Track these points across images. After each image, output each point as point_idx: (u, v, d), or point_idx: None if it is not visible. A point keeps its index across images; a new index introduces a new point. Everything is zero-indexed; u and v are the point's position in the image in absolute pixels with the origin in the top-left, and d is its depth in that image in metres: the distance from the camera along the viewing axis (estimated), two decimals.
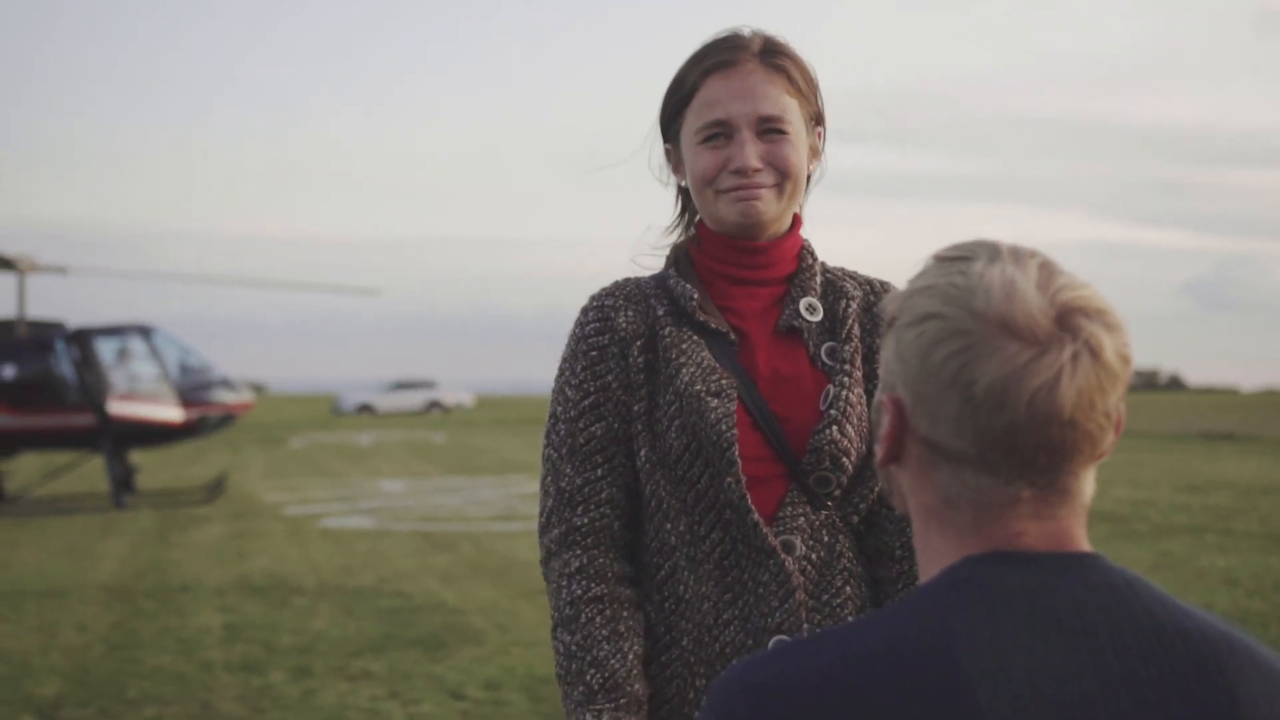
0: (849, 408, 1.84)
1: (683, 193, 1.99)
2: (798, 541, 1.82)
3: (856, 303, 1.93)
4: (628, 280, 1.95)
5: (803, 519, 1.83)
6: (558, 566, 1.86)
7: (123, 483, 17.62)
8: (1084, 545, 1.06)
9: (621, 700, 1.78)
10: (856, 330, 1.91)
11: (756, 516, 1.80)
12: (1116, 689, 0.99)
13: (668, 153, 1.98)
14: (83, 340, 18.23)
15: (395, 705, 6.31)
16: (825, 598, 1.84)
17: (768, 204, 1.86)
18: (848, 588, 1.85)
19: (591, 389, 1.87)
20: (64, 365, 17.93)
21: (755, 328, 1.90)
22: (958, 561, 1.05)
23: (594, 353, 1.88)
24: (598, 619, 1.81)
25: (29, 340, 18.14)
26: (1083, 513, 1.07)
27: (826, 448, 1.82)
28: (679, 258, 1.95)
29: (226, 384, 19.58)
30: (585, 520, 1.85)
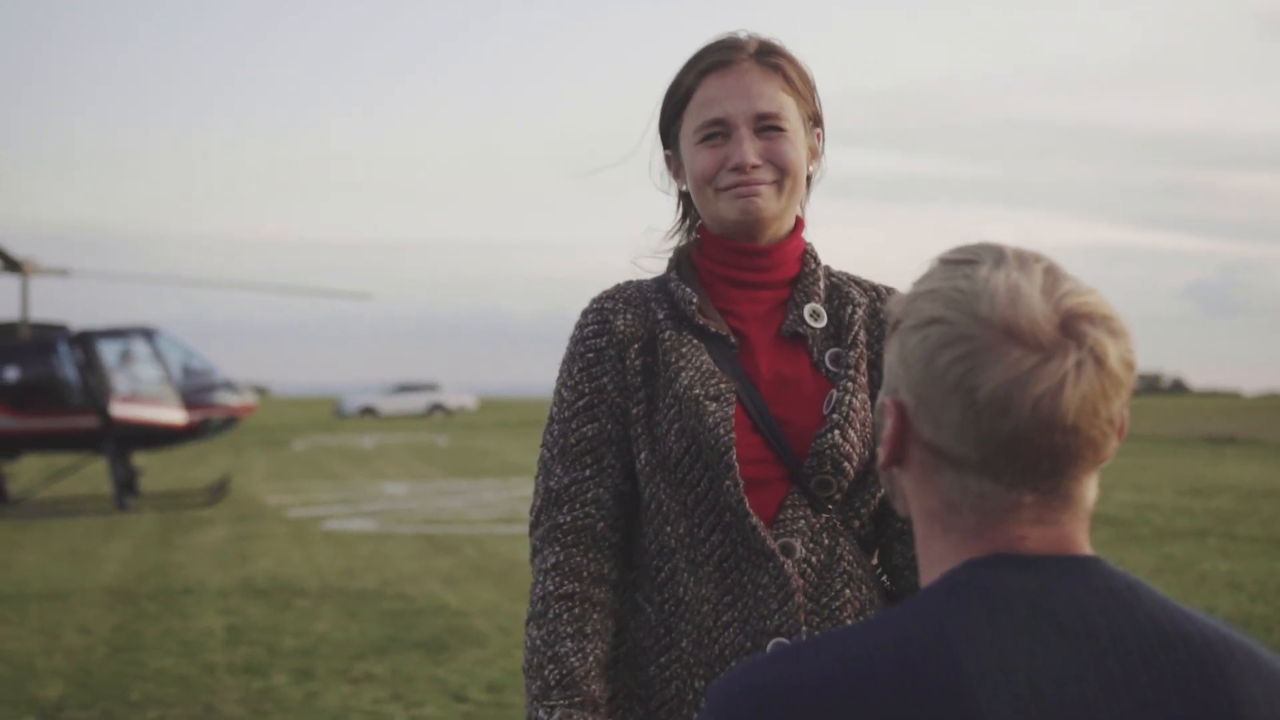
0: (852, 412, 1.84)
1: (683, 198, 1.99)
2: (797, 544, 1.83)
3: (863, 309, 1.93)
4: (629, 283, 1.95)
5: (803, 522, 1.83)
6: (538, 562, 1.88)
7: (126, 485, 17.64)
8: (1086, 549, 1.06)
9: (576, 699, 1.79)
10: (863, 336, 1.90)
11: (755, 520, 1.81)
12: (1118, 692, 0.99)
13: (668, 159, 1.98)
14: (86, 342, 18.25)
15: (398, 708, 6.31)
16: (824, 600, 1.84)
17: (768, 201, 1.87)
18: (847, 590, 1.85)
19: (586, 390, 1.88)
20: (67, 367, 17.95)
21: (757, 331, 1.90)
22: (959, 565, 1.05)
23: (590, 355, 1.89)
24: (564, 616, 1.82)
25: (32, 342, 18.16)
26: (1085, 518, 1.07)
27: (828, 452, 1.82)
28: (681, 261, 1.95)
29: (229, 386, 19.59)
30: (568, 519, 1.86)
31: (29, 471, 22.66)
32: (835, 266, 2.01)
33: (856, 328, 1.90)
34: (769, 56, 1.91)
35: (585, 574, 1.85)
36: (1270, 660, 1.04)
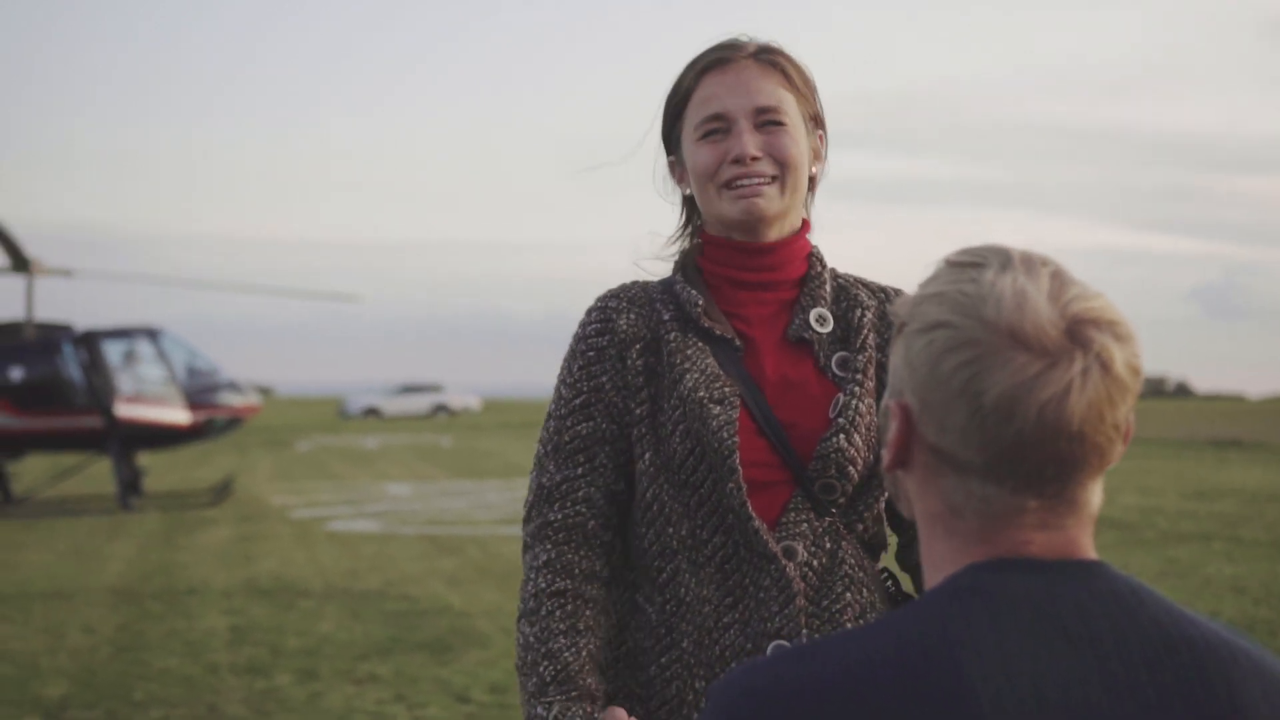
0: (858, 417, 1.84)
1: (687, 203, 1.99)
2: (799, 548, 1.83)
3: (871, 312, 1.92)
4: (635, 283, 1.95)
5: (805, 525, 1.83)
6: (529, 560, 1.88)
7: (130, 485, 17.65)
8: (1090, 554, 1.06)
9: (573, 693, 1.79)
10: (871, 340, 1.90)
11: (758, 523, 1.81)
12: (1121, 697, 0.99)
13: (671, 165, 1.98)
14: (90, 342, 18.27)
15: (401, 708, 6.32)
16: (825, 604, 1.84)
17: (769, 200, 1.86)
18: (848, 594, 1.85)
19: (584, 389, 1.88)
20: (71, 367, 17.97)
21: (763, 334, 1.90)
22: (962, 569, 1.04)
23: (591, 353, 1.89)
24: (557, 613, 1.83)
25: (37, 342, 18.19)
26: (1090, 522, 1.06)
27: (833, 456, 1.82)
28: (686, 264, 1.95)
29: (233, 387, 19.61)
30: (559, 516, 1.87)
31: (34, 471, 22.68)
32: (840, 269, 2.00)
33: (865, 331, 1.90)
34: (768, 55, 1.92)
35: (577, 571, 1.86)
36: (1274, 665, 1.04)
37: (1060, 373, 1.00)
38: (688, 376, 1.84)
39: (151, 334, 18.96)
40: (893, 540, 1.99)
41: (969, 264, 1.06)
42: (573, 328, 1.95)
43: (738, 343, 1.88)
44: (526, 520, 1.92)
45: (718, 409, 1.81)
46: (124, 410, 18.01)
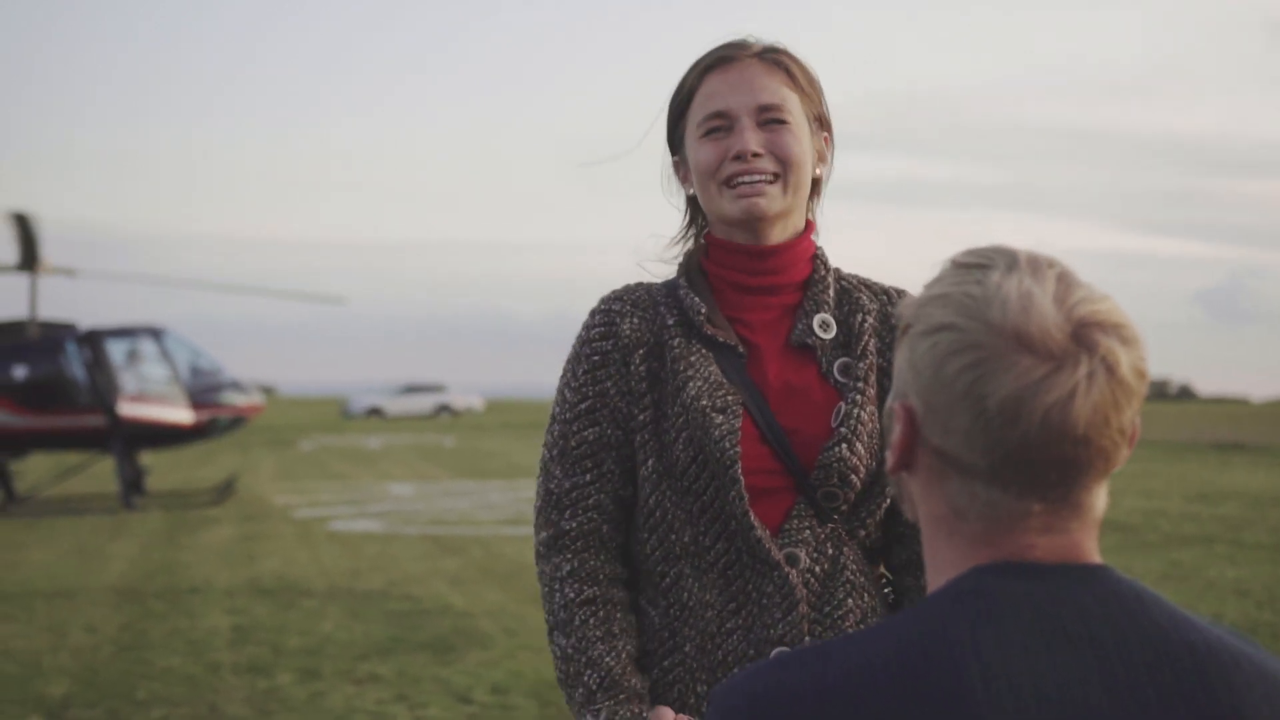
0: (860, 425, 1.83)
1: (691, 203, 1.98)
2: (802, 554, 1.83)
3: (873, 316, 1.92)
4: (638, 285, 1.95)
5: (808, 532, 1.83)
6: (549, 570, 1.87)
7: (132, 484, 17.66)
8: (1094, 558, 1.06)
9: (621, 696, 1.80)
10: (872, 346, 1.89)
11: (760, 531, 1.81)
12: (1122, 700, 0.98)
13: (675, 165, 1.98)
14: (94, 341, 18.29)
15: (402, 708, 6.31)
16: (827, 610, 1.84)
17: (771, 199, 1.86)
18: (850, 600, 1.85)
19: (589, 394, 1.88)
20: (75, 366, 17.98)
21: (766, 340, 1.89)
22: (965, 572, 1.04)
23: (595, 358, 1.89)
24: (591, 621, 1.83)
25: (40, 341, 18.20)
26: (1094, 526, 1.06)
27: (835, 465, 1.82)
28: (690, 266, 1.94)
29: (236, 386, 19.62)
30: (574, 524, 1.87)
31: (36, 470, 22.70)
32: (846, 271, 2.00)
33: (866, 337, 1.89)
34: (773, 54, 1.91)
35: (602, 576, 1.86)
36: (1276, 669, 1.04)
37: (1065, 376, 1.00)
38: (690, 384, 1.83)
39: (155, 333, 18.97)
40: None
41: (975, 265, 1.06)
42: (575, 328, 1.95)
43: (741, 349, 1.87)
44: (539, 527, 1.91)
45: (720, 418, 1.81)
46: (127, 409, 18.02)
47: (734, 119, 1.86)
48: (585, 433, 1.88)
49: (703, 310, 1.87)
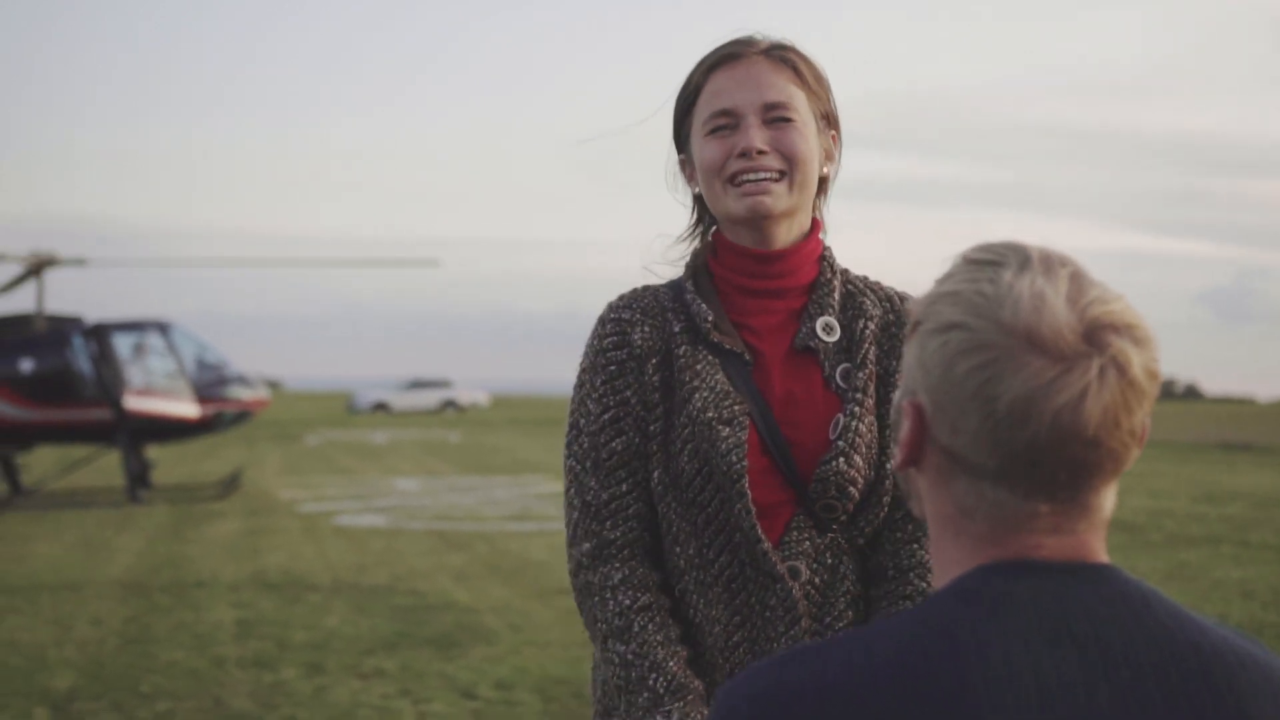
0: (858, 438, 1.82)
1: (697, 202, 1.97)
2: (803, 567, 1.83)
3: (875, 322, 1.90)
4: (645, 290, 1.93)
5: (808, 543, 1.83)
6: (598, 580, 1.85)
7: (138, 477, 17.69)
8: (1101, 558, 1.05)
9: (689, 697, 1.79)
10: (872, 354, 1.88)
11: (766, 545, 1.81)
12: (1127, 701, 0.98)
13: (681, 164, 1.96)
14: (100, 335, 18.31)
15: (407, 703, 6.32)
16: (828, 620, 1.85)
17: (776, 197, 1.84)
18: (850, 611, 1.86)
19: (611, 403, 1.87)
20: (81, 360, 18.01)
21: (771, 346, 1.88)
22: (970, 571, 1.04)
23: (612, 367, 1.87)
24: (650, 626, 1.82)
25: (47, 334, 18.23)
26: (1102, 527, 1.05)
27: (833, 478, 1.81)
28: (697, 268, 1.93)
29: (242, 380, 19.64)
30: (617, 534, 1.85)
31: (43, 463, 22.74)
32: (855, 272, 1.98)
33: (867, 345, 1.88)
34: (780, 51, 1.90)
35: (652, 583, 1.85)
36: None
37: (1076, 377, 0.99)
38: (697, 395, 1.82)
39: (161, 327, 19.00)
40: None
41: (987, 262, 1.05)
42: (582, 325, 1.95)
43: (747, 357, 1.86)
44: (575, 540, 1.88)
45: (726, 430, 1.80)
46: (133, 403, 18.05)
47: (740, 116, 1.85)
48: (613, 443, 1.86)
49: (709, 318, 1.86)
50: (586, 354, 1.91)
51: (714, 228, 1.95)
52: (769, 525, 1.83)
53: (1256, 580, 9.86)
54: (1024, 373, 0.99)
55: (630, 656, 1.81)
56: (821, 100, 1.91)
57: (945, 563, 1.07)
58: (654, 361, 1.87)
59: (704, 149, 1.88)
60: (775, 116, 1.85)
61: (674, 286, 1.93)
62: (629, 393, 1.86)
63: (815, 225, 1.93)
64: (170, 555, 11.75)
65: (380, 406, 56.19)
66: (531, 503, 16.59)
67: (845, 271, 1.96)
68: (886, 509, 1.87)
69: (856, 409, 1.84)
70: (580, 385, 1.91)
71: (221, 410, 19.06)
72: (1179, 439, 33.18)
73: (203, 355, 19.38)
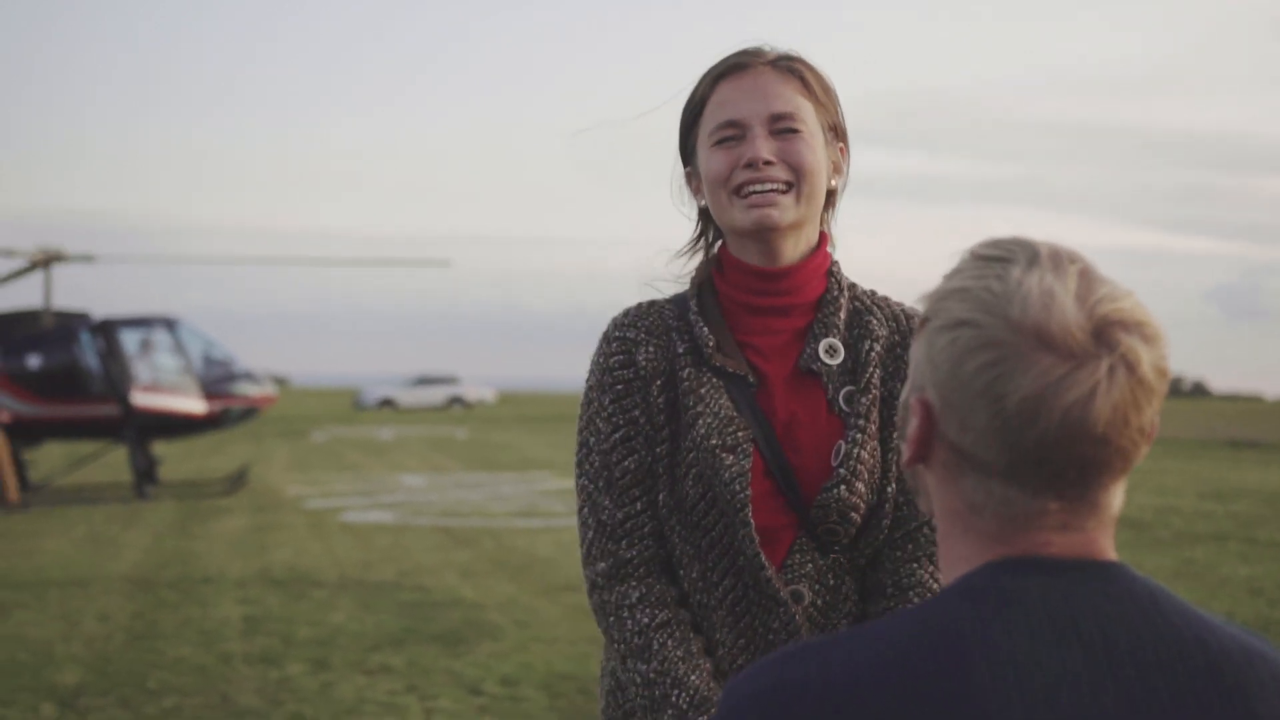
0: (860, 465, 1.81)
1: (703, 215, 1.95)
2: (805, 590, 1.83)
3: (880, 344, 1.88)
4: (650, 307, 1.91)
5: (810, 565, 1.83)
6: (615, 599, 1.85)
7: (145, 473, 17.72)
8: (1109, 555, 1.05)
9: (713, 710, 1.78)
10: (877, 378, 1.86)
11: (770, 572, 1.81)
12: (1134, 700, 0.98)
13: (687, 176, 1.94)
14: (107, 331, 18.34)
15: (413, 700, 6.33)
16: None
17: (783, 210, 1.82)
18: None
19: (621, 422, 1.86)
20: (89, 356, 18.04)
21: (775, 368, 1.86)
22: (977, 568, 1.04)
23: (620, 386, 1.86)
24: (669, 643, 1.81)
25: (54, 330, 18.26)
26: (1110, 524, 1.05)
27: (834, 505, 1.80)
28: (702, 283, 1.91)
29: (249, 377, 19.66)
30: (634, 553, 1.85)
31: (50, 459, 22.78)
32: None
33: (871, 369, 1.86)
34: (787, 62, 1.87)
35: (670, 599, 1.84)
36: None
37: (1085, 375, 0.99)
38: (700, 421, 1.82)
39: (168, 323, 19.03)
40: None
41: (995, 258, 1.04)
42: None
43: (751, 379, 1.85)
44: (591, 559, 1.88)
45: (730, 458, 1.80)
46: (140, 399, 18.08)
47: (746, 127, 1.83)
48: (625, 463, 1.86)
49: (711, 342, 1.85)
50: (593, 371, 1.90)
51: (719, 241, 1.93)
52: (771, 548, 1.82)
53: (1264, 577, 9.84)
54: (1033, 370, 0.99)
55: (652, 675, 1.80)
56: (829, 112, 1.89)
57: (952, 559, 1.07)
58: (659, 383, 1.85)
59: (710, 160, 1.85)
60: (782, 127, 1.83)
61: (678, 302, 1.91)
62: (637, 412, 1.86)
63: (823, 239, 1.91)
64: (177, 551, 11.77)
65: (387, 403, 56.24)
66: (538, 499, 16.60)
67: (853, 286, 1.94)
68: (886, 531, 1.86)
69: (859, 435, 1.82)
70: (589, 403, 1.90)
71: (228, 406, 19.09)
72: (1187, 436, 33.13)
73: (210, 351, 19.41)
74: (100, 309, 19.24)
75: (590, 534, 1.87)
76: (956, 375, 1.02)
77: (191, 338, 19.26)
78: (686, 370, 1.84)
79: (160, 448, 22.04)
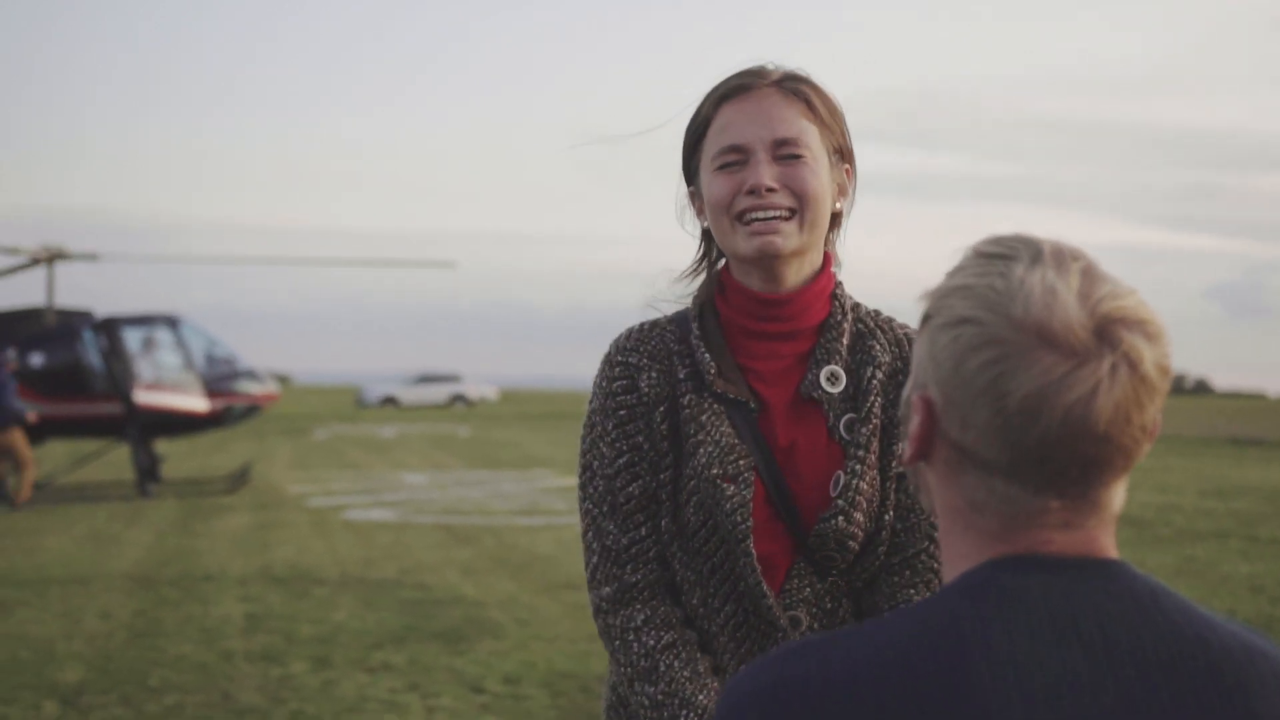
0: (858, 495, 1.81)
1: (706, 236, 1.93)
2: (803, 615, 1.83)
3: (883, 370, 1.86)
4: (652, 329, 1.90)
5: (809, 590, 1.84)
6: (620, 623, 1.85)
7: (148, 471, 17.72)
8: (1110, 553, 1.05)
9: None
10: (878, 406, 1.84)
11: (771, 600, 1.81)
12: (1134, 698, 0.97)
13: (690, 195, 1.92)
14: (110, 329, 18.36)
15: (414, 697, 6.33)
16: None
17: (786, 237, 1.80)
18: None
19: (625, 448, 1.86)
20: (91, 354, 18.05)
21: (776, 393, 1.85)
22: (977, 566, 1.04)
23: (623, 412, 1.86)
24: (676, 664, 1.81)
25: (57, 329, 18.27)
26: (1111, 522, 1.05)
27: (831, 535, 1.80)
28: (704, 304, 1.90)
29: (252, 375, 19.67)
30: (638, 577, 1.85)
31: (53, 457, 22.80)
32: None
33: (873, 397, 1.84)
34: (792, 83, 1.84)
35: (675, 620, 1.85)
36: None
37: (1087, 373, 0.99)
38: (702, 450, 1.81)
39: (171, 321, 19.03)
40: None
41: (998, 256, 1.04)
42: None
43: (753, 405, 1.84)
44: (596, 583, 1.88)
45: (731, 488, 1.79)
46: (143, 397, 18.09)
47: (749, 152, 1.80)
48: (630, 488, 1.85)
49: (713, 369, 1.83)
50: (595, 394, 1.89)
51: (722, 261, 1.92)
52: (770, 572, 1.83)
53: (1265, 575, 9.84)
54: (1035, 368, 0.99)
55: (660, 697, 1.80)
56: (834, 134, 1.86)
57: (953, 557, 1.07)
58: (661, 409, 1.85)
59: (712, 185, 1.83)
60: (786, 153, 1.80)
61: (680, 323, 1.90)
62: (640, 438, 1.85)
63: (827, 260, 1.89)
64: (179, 549, 11.77)
65: (389, 401, 56.25)
66: (539, 497, 16.60)
67: (857, 307, 1.92)
68: (883, 556, 1.86)
69: (858, 466, 1.82)
70: (592, 426, 1.89)
71: (231, 404, 19.09)
72: (1189, 434, 33.13)
73: (212, 350, 19.41)
74: (102, 307, 19.27)
75: (595, 558, 1.87)
76: (958, 373, 1.02)
77: (194, 336, 19.26)
78: (688, 396, 1.83)
79: (163, 446, 22.05)
